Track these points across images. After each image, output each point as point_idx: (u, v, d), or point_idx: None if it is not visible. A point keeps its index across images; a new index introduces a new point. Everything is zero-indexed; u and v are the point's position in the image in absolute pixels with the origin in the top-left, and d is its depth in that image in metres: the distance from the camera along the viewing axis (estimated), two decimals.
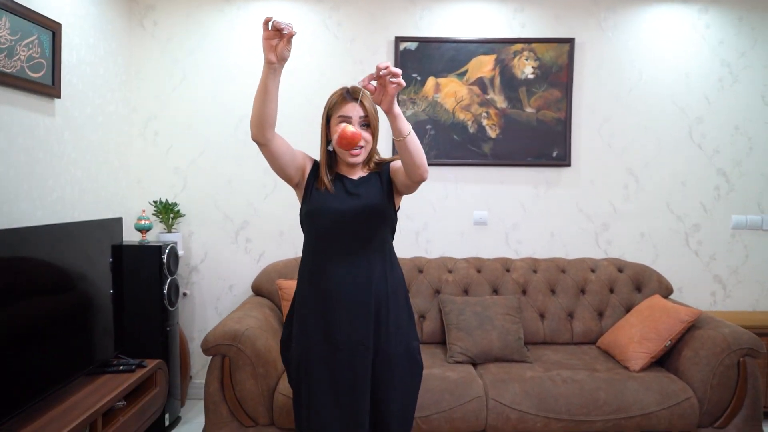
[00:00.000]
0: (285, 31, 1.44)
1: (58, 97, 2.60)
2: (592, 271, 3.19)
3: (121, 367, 2.65)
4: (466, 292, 3.13)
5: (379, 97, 1.46)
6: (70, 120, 2.75)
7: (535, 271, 3.19)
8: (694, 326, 2.66)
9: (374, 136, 1.77)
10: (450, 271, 3.19)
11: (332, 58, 3.40)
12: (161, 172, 3.44)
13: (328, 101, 1.79)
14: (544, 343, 3.06)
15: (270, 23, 1.45)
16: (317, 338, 1.72)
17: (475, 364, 2.78)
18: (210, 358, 2.52)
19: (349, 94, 1.72)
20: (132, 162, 3.40)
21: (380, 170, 1.82)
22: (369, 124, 1.74)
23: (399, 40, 3.36)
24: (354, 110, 1.72)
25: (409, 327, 1.83)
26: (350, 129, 1.62)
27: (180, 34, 3.40)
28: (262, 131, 1.60)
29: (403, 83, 1.43)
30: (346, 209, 1.73)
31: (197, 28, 3.40)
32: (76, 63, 2.79)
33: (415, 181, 1.61)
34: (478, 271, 3.19)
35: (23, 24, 2.36)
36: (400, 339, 1.77)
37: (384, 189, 1.78)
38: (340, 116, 1.73)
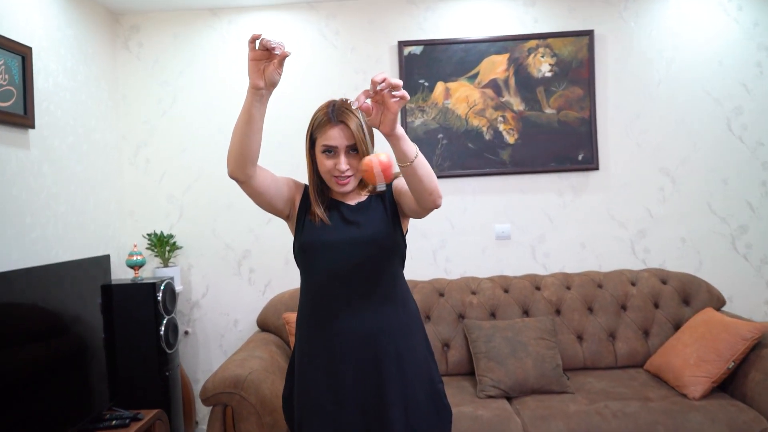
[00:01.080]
0: (276, 51, 1.19)
1: (32, 126, 2.37)
2: (632, 284, 2.86)
3: (114, 422, 2.37)
4: (493, 315, 2.83)
5: (378, 117, 1.16)
6: (48, 151, 2.51)
7: (568, 288, 2.88)
8: (760, 344, 2.33)
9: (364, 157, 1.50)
10: (474, 293, 2.89)
11: (332, 70, 3.15)
12: (155, 202, 3.19)
13: (311, 120, 1.50)
14: (585, 369, 2.74)
15: (258, 42, 1.19)
16: (322, 399, 1.43)
17: (509, 398, 2.47)
18: (211, 408, 2.24)
19: (333, 115, 1.44)
20: (123, 193, 3.16)
21: (382, 193, 1.54)
22: (356, 148, 1.45)
23: (402, 44, 3.10)
24: (339, 137, 1.43)
25: (431, 368, 1.53)
26: (377, 160, 1.20)
27: (168, 55, 3.18)
28: (242, 168, 1.33)
29: (407, 96, 1.14)
30: (345, 241, 1.45)
31: (186, 47, 3.17)
32: (53, 89, 2.57)
33: (426, 209, 1.32)
34: (505, 291, 2.88)
35: None
36: (422, 384, 1.48)
37: (388, 213, 1.50)
38: (324, 146, 1.45)
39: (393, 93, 1.12)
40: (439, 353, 2.74)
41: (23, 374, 2.01)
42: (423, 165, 1.23)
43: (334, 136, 1.43)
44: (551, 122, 3.10)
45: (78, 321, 2.37)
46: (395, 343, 1.44)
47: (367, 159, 1.19)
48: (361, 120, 1.43)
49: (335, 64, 3.15)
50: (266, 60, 1.21)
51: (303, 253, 1.49)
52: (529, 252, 3.14)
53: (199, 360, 3.21)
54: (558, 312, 2.83)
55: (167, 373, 2.73)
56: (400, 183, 1.47)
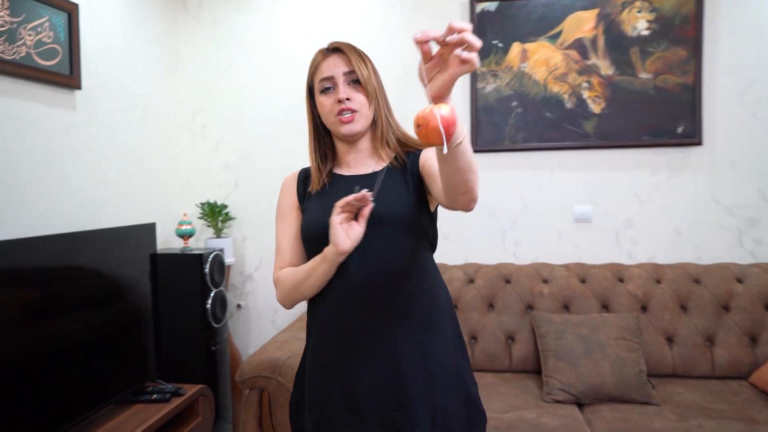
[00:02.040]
0: (365, 207, 1.08)
1: (78, 87, 2.28)
2: (739, 281, 2.42)
3: (154, 396, 2.29)
4: (566, 308, 2.49)
5: (433, 72, 0.87)
6: (96, 114, 2.43)
7: (658, 281, 2.49)
8: None
9: (372, 98, 1.25)
10: (545, 281, 2.56)
11: (389, 31, 2.87)
12: (210, 170, 3.08)
13: (309, 68, 1.31)
14: (674, 376, 2.36)
15: (343, 204, 1.08)
16: (336, 404, 1.20)
17: (580, 405, 2.15)
18: (248, 390, 2.10)
19: (327, 48, 1.29)
20: (178, 160, 3.07)
21: (404, 161, 1.26)
22: (358, 80, 1.24)
23: (475, 0, 2.76)
24: (333, 66, 1.24)
25: (462, 369, 1.25)
26: (437, 111, 0.85)
27: (226, 16, 3.02)
28: (292, 305, 1.28)
29: (476, 64, 0.83)
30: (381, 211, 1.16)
31: (243, 7, 3.00)
32: (103, 50, 2.47)
33: (455, 209, 1.05)
34: (582, 281, 2.53)
35: (28, 4, 2.04)
36: (453, 390, 1.21)
37: (410, 189, 1.21)
38: (321, 82, 1.26)
39: (462, 53, 0.82)
40: (502, 347, 2.46)
41: (68, 340, 1.95)
42: (467, 153, 0.93)
43: (329, 65, 1.25)
44: (646, 89, 2.67)
45: (127, 289, 2.30)
46: (420, 343, 1.18)
47: (421, 112, 0.87)
48: (364, 57, 1.26)
49: (396, 24, 2.87)
50: (351, 217, 1.10)
51: (305, 242, 1.26)
52: (612, 238, 2.75)
53: (251, 335, 3.10)
54: (644, 309, 2.45)
55: (213, 348, 2.63)
56: (430, 155, 1.18)
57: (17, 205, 2.01)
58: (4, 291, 1.72)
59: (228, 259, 2.90)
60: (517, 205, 2.82)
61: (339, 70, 1.24)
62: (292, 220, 1.32)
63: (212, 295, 2.60)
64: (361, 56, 1.26)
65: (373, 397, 1.15)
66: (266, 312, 3.08)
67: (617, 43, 2.68)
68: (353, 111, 1.22)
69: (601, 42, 2.70)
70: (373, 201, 1.07)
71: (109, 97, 2.51)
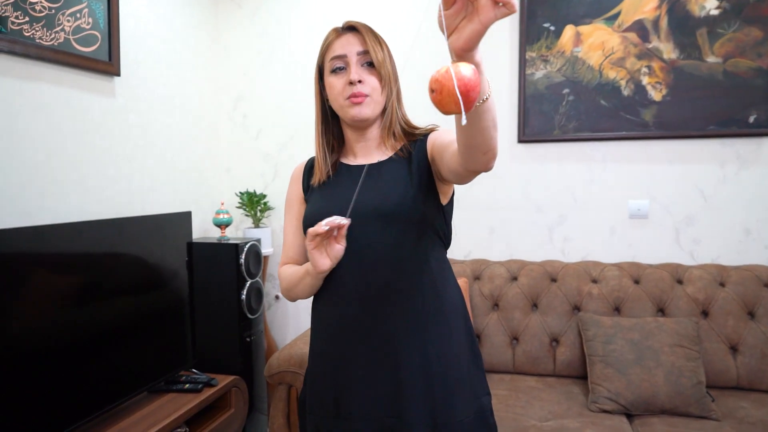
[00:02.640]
0: (344, 224, 0.99)
1: (117, 74, 2.27)
2: None
3: (187, 386, 2.27)
4: (617, 310, 2.32)
5: (457, 19, 0.71)
6: (136, 101, 2.42)
7: (722, 284, 2.27)
8: None
9: (385, 83, 1.15)
10: (595, 281, 2.39)
11: (413, 16, 2.74)
12: (251, 159, 3.05)
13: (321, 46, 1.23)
14: (738, 389, 2.14)
15: (314, 236, 1.00)
16: (330, 408, 1.11)
17: (630, 416, 1.99)
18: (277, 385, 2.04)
19: (341, 26, 1.21)
20: (219, 149, 3.05)
21: (410, 152, 1.16)
22: (372, 62, 1.15)
23: None
24: (347, 44, 1.15)
25: (473, 376, 1.13)
26: (457, 71, 0.69)
27: (268, 3, 2.97)
28: (294, 301, 1.27)
29: (516, 6, 0.68)
30: (353, 212, 1.07)
31: None
32: (143, 36, 2.46)
33: (474, 171, 0.93)
34: (636, 282, 2.35)
35: None
36: (463, 401, 1.08)
37: (415, 181, 1.11)
38: (332, 61, 1.16)
39: None
40: (545, 349, 2.31)
41: (106, 327, 1.96)
42: (492, 110, 0.82)
43: (342, 44, 1.15)
44: (714, 74, 2.43)
45: (165, 277, 2.30)
46: (422, 346, 1.08)
47: (437, 73, 0.70)
48: (380, 38, 1.17)
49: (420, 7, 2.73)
50: (327, 240, 1.02)
51: (305, 228, 1.17)
52: (671, 235, 2.54)
53: (289, 327, 3.06)
54: (705, 314, 2.24)
55: (249, 339, 2.60)
56: (437, 137, 1.10)
57: (56, 191, 2.02)
58: (41, 275, 1.73)
59: (266, 250, 2.87)
60: (566, 198, 2.65)
61: (353, 49, 1.15)
62: (297, 212, 1.26)
63: (248, 285, 2.56)
64: (377, 38, 1.18)
65: (368, 401, 1.07)
66: (304, 304, 3.03)
67: (682, 24, 2.46)
68: (365, 95, 1.13)
69: (663, 23, 2.48)
70: (350, 217, 1.00)
71: (149, 83, 2.50)
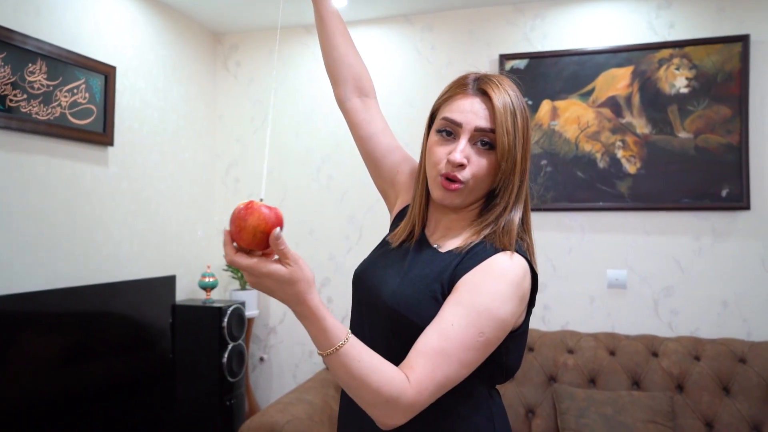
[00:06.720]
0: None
1: (111, 144, 2.40)
2: None
3: None
4: (592, 382, 2.31)
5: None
6: (128, 168, 2.54)
7: (697, 358, 2.27)
8: None
9: (503, 175, 0.93)
10: (570, 351, 2.39)
11: (423, 87, 2.87)
12: None
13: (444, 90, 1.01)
14: None
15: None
16: None
17: None
18: None
19: (474, 83, 0.94)
20: (212, 213, 3.15)
21: (469, 249, 0.93)
22: (491, 143, 0.92)
23: (504, 58, 2.73)
24: (470, 111, 0.91)
25: None
26: (261, 208, 0.74)
27: (262, 73, 3.14)
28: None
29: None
30: (386, 293, 0.93)
31: (279, 65, 3.10)
32: (139, 107, 2.60)
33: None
34: (611, 354, 2.35)
35: (66, 68, 2.18)
36: None
37: (445, 283, 0.92)
38: (443, 122, 0.95)
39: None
40: (521, 420, 2.30)
41: (92, 390, 2.01)
42: (350, 365, 0.77)
43: (463, 108, 0.92)
44: (686, 149, 2.51)
45: (150, 340, 2.36)
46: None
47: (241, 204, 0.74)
48: (516, 115, 0.91)
49: (429, 81, 2.87)
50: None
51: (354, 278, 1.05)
52: (650, 306, 2.56)
53: (273, 389, 3.07)
54: (680, 388, 2.23)
55: (229, 402, 2.61)
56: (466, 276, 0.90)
57: (46, 259, 2.11)
58: (28, 339, 1.78)
59: (251, 312, 2.91)
60: (546, 267, 2.69)
61: (473, 122, 0.91)
62: (395, 154, 1.14)
63: (229, 348, 2.60)
64: (514, 115, 0.91)
65: None
66: (288, 366, 3.05)
67: (654, 101, 2.56)
68: (460, 183, 0.91)
69: (636, 100, 2.58)
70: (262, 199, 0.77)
71: (143, 151, 2.63)
